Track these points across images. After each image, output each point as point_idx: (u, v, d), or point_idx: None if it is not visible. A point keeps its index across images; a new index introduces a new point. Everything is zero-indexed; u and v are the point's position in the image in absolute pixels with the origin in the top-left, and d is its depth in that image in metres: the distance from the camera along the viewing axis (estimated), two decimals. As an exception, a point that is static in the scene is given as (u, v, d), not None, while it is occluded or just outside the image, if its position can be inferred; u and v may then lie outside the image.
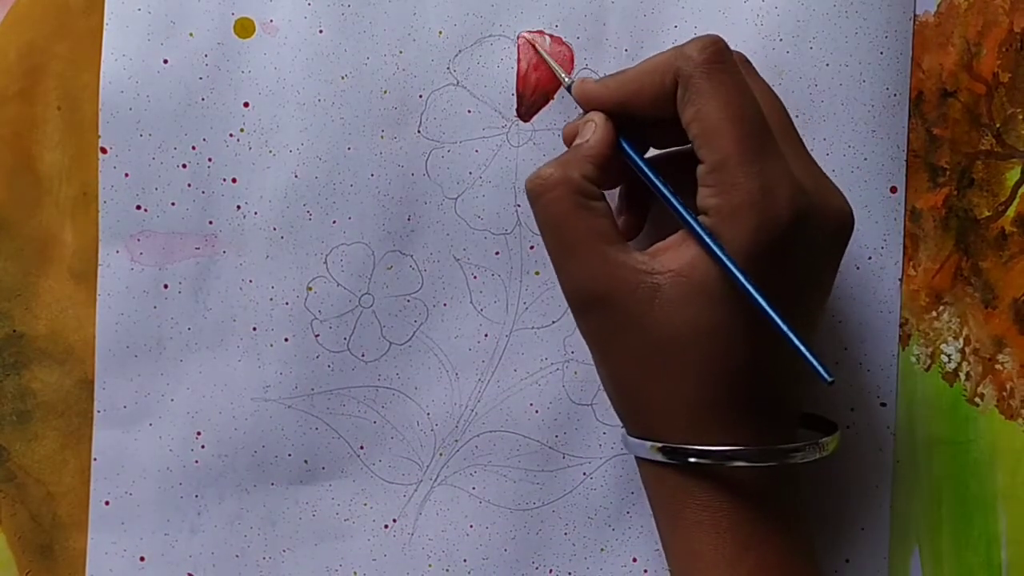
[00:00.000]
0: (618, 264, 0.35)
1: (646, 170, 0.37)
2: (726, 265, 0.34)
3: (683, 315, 0.35)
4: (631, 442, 0.37)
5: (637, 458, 0.38)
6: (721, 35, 0.42)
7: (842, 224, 0.37)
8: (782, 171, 0.34)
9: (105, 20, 0.43)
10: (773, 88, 0.39)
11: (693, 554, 0.36)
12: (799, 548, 0.36)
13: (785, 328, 0.33)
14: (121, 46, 0.43)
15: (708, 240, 0.34)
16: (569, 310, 0.39)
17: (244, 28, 0.43)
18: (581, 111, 0.39)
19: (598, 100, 0.38)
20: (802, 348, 0.33)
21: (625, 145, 0.38)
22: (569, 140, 0.39)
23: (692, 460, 0.35)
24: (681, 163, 0.38)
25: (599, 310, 0.36)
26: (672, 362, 0.35)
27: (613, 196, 0.41)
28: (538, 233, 0.41)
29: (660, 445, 0.36)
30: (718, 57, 0.35)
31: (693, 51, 0.35)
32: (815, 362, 0.32)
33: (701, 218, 0.35)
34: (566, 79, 0.41)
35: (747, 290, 0.33)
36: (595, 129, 0.38)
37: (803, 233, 0.34)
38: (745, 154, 0.34)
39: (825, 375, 0.32)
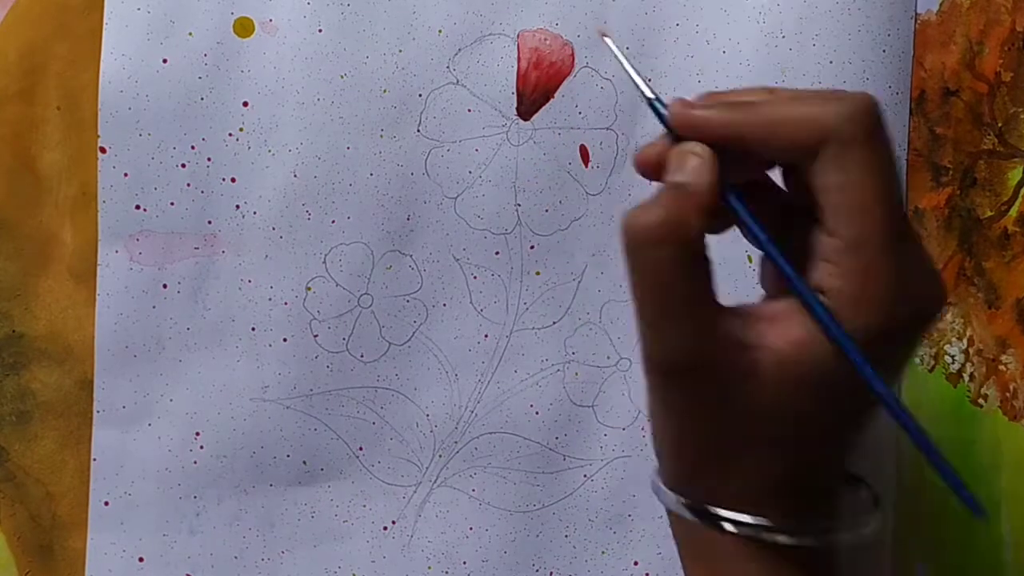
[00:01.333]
0: (720, 335, 0.31)
1: (758, 232, 0.32)
2: (856, 362, 0.30)
3: (778, 397, 0.31)
4: (665, 494, 0.35)
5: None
6: (723, 32, 0.42)
7: (938, 310, 0.33)
8: (919, 261, 0.31)
9: (105, 20, 0.43)
10: (776, 86, 0.39)
11: None
12: None
13: (934, 454, 0.30)
14: (121, 46, 0.43)
15: (839, 335, 0.30)
16: (568, 311, 0.38)
17: (243, 27, 0.43)
18: (664, 132, 0.33)
19: (708, 131, 0.32)
20: (956, 483, 0.30)
21: (733, 199, 0.32)
22: (648, 164, 0.33)
23: (727, 527, 0.33)
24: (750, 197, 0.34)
25: (688, 379, 0.32)
26: (751, 439, 0.33)
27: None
28: (539, 233, 0.41)
29: (694, 505, 0.34)
30: (878, 124, 0.31)
31: (855, 113, 0.31)
32: (969, 498, 0.30)
33: (820, 297, 0.31)
34: (647, 91, 0.33)
35: (887, 402, 0.30)
36: (702, 168, 0.32)
37: (923, 322, 0.32)
38: (888, 239, 0.30)
39: (980, 512, 0.30)
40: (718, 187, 0.31)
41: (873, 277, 0.31)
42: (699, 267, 0.31)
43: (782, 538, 0.33)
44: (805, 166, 0.31)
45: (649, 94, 0.33)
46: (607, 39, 0.34)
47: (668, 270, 0.31)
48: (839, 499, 0.36)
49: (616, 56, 0.34)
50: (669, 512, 0.36)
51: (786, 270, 0.32)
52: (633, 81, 0.34)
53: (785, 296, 0.32)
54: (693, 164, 0.32)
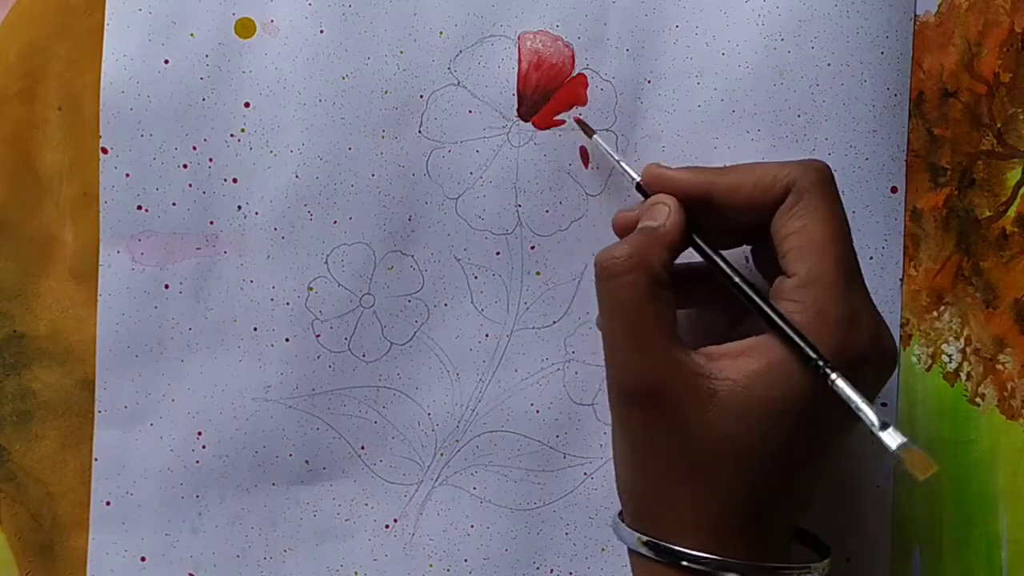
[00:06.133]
0: (679, 363, 0.34)
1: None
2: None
3: (732, 427, 0.33)
4: (624, 531, 0.36)
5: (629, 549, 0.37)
6: (722, 34, 0.43)
7: (891, 363, 0.36)
8: (866, 302, 0.35)
9: (106, 20, 0.43)
10: (774, 88, 0.39)
11: None
12: None
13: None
14: (122, 46, 0.43)
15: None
16: (568, 311, 0.38)
17: (245, 28, 0.43)
18: (641, 198, 0.38)
19: (675, 185, 0.37)
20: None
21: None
22: (625, 226, 0.38)
23: (684, 564, 0.34)
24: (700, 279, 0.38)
25: (648, 406, 0.35)
26: (705, 470, 0.34)
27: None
28: (540, 234, 0.41)
29: (651, 541, 0.35)
30: (831, 181, 0.35)
31: (811, 170, 0.35)
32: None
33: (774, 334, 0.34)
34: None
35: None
36: (669, 213, 0.36)
37: (871, 367, 0.34)
38: (840, 277, 0.34)
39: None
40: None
41: (827, 307, 0.34)
42: (662, 300, 0.35)
43: (730, 574, 0.34)
44: (769, 221, 0.36)
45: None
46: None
47: (633, 299, 0.34)
48: (791, 543, 0.37)
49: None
50: (630, 553, 0.37)
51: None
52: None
53: (745, 336, 0.35)
54: (661, 211, 0.36)
